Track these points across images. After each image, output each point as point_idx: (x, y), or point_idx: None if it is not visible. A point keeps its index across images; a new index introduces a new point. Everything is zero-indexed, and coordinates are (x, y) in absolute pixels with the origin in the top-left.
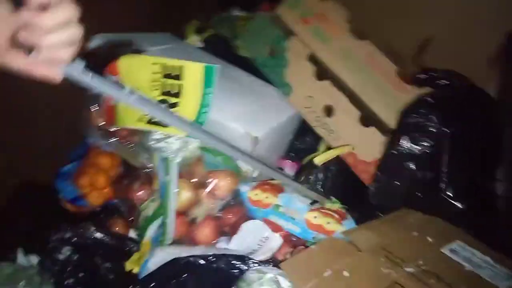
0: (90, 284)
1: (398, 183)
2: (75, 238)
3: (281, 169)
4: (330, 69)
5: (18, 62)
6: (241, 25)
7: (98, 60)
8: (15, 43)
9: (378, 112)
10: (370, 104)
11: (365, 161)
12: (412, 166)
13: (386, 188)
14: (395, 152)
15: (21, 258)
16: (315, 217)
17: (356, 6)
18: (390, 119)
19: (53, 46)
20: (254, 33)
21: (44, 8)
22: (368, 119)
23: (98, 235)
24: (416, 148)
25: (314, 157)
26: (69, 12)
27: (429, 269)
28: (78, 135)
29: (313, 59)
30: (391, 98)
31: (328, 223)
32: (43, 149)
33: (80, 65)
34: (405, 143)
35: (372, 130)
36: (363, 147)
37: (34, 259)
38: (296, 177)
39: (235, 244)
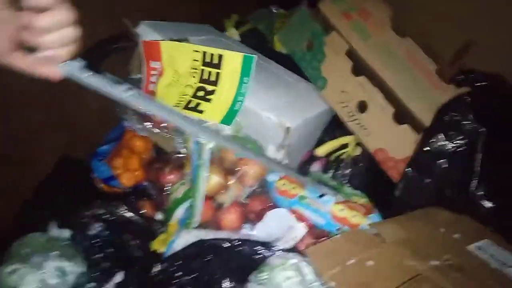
0: (117, 259)
1: (428, 180)
2: (106, 216)
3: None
4: (368, 64)
5: (20, 62)
6: (279, 21)
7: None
8: (17, 44)
9: (413, 110)
10: (406, 101)
11: (396, 158)
12: (444, 164)
13: (416, 185)
14: (428, 148)
15: (54, 230)
16: (341, 209)
17: (400, 3)
18: (425, 118)
19: (51, 46)
20: (293, 27)
21: (42, 10)
22: (403, 116)
23: (128, 214)
24: (450, 145)
25: (343, 153)
26: (65, 14)
27: (454, 263)
28: (115, 117)
29: (352, 55)
30: (428, 97)
31: (354, 216)
32: (83, 127)
33: (79, 63)
34: (439, 140)
35: (406, 127)
36: (395, 144)
37: (66, 233)
38: (324, 172)
39: (259, 231)
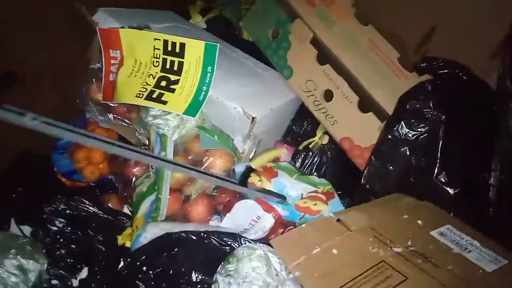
0: (81, 255)
1: (391, 168)
2: (69, 211)
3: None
4: (332, 52)
5: None
6: (245, 8)
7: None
8: None
9: (376, 98)
10: (369, 90)
11: (361, 146)
12: (407, 151)
13: (380, 173)
14: (390, 137)
15: (13, 228)
16: (305, 202)
17: None
18: (389, 105)
19: None
20: (257, 15)
21: None
22: (367, 104)
23: (92, 209)
24: (412, 133)
25: (311, 142)
26: None
27: (417, 250)
28: (76, 109)
29: (316, 43)
30: (391, 84)
31: (315, 204)
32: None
33: None
34: (401, 128)
35: (370, 115)
36: (360, 133)
37: (26, 230)
38: (292, 161)
39: (228, 223)
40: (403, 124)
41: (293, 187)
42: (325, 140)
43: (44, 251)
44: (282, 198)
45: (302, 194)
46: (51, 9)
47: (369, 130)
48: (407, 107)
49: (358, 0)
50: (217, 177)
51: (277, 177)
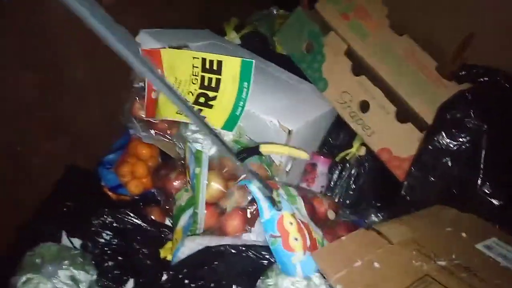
0: (127, 267)
1: (433, 179)
2: (116, 224)
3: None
4: (367, 63)
5: None
6: (279, 22)
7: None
8: None
9: (415, 108)
10: (407, 99)
11: (400, 157)
12: (448, 162)
13: (421, 184)
14: (431, 147)
15: (64, 240)
16: (291, 223)
17: (397, 1)
18: (428, 115)
19: None
20: (291, 29)
21: None
22: (405, 114)
23: (137, 221)
24: (453, 143)
25: (348, 154)
26: None
27: (462, 263)
28: (120, 126)
29: (351, 54)
30: (429, 94)
31: (296, 239)
32: (88, 136)
33: None
34: (442, 139)
35: (409, 126)
36: (399, 143)
37: (77, 242)
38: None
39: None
40: (444, 134)
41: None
42: (362, 151)
43: (93, 262)
44: (272, 201)
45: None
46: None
47: (408, 140)
48: (447, 116)
49: (393, 11)
50: (214, 134)
51: (277, 189)
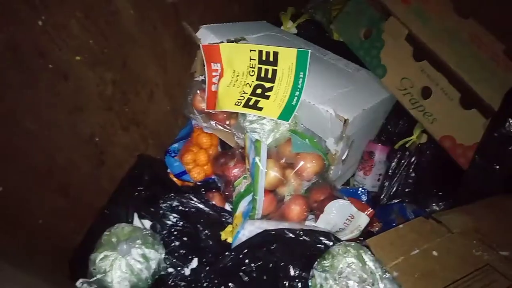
0: (192, 247)
1: (498, 167)
2: (181, 207)
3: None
4: (429, 48)
5: None
6: (336, 9)
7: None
8: None
9: (480, 93)
10: (473, 85)
11: (464, 145)
12: None
13: (485, 173)
14: (497, 134)
15: (136, 221)
16: None
17: None
18: (494, 101)
19: None
20: (349, 16)
21: None
22: (469, 100)
23: (200, 205)
24: None
25: (407, 141)
26: None
27: None
28: (184, 117)
29: (411, 40)
30: (496, 78)
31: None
32: (157, 127)
33: None
34: (509, 126)
35: (473, 112)
36: (463, 131)
37: (147, 223)
38: (388, 161)
39: (322, 223)
40: (511, 121)
41: None
42: (424, 139)
43: (161, 242)
44: None
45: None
46: (162, 28)
47: (472, 127)
48: None
49: None
50: None
51: None
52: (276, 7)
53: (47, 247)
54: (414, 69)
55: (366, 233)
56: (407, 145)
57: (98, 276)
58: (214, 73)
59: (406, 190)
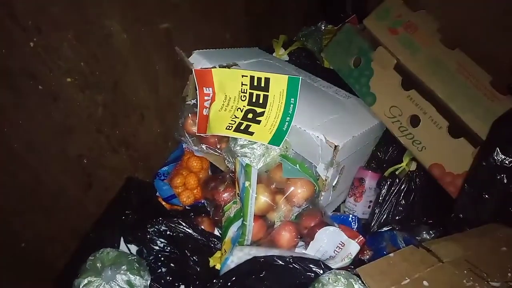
0: (179, 274)
1: (487, 196)
2: (169, 232)
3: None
4: (418, 78)
5: None
6: (327, 38)
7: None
8: None
9: (468, 122)
10: (460, 114)
11: (453, 173)
12: (504, 179)
13: (474, 202)
14: (485, 164)
15: (122, 246)
16: None
17: (448, 15)
18: (482, 130)
19: None
20: (339, 45)
21: None
22: (458, 129)
23: (188, 230)
24: (509, 160)
25: (397, 169)
26: None
27: None
28: (175, 140)
29: (400, 69)
30: (483, 108)
31: None
32: (147, 150)
33: None
34: (497, 155)
35: (462, 141)
36: (452, 159)
37: (133, 248)
38: (378, 188)
39: (313, 250)
40: (499, 150)
41: None
42: (413, 166)
43: (148, 268)
44: None
45: None
46: (154, 52)
47: (461, 156)
48: (502, 132)
49: (444, 26)
50: None
51: None
52: (268, 35)
53: (29, 271)
54: (403, 98)
55: (357, 261)
56: (397, 173)
57: None
58: (206, 97)
59: (397, 217)
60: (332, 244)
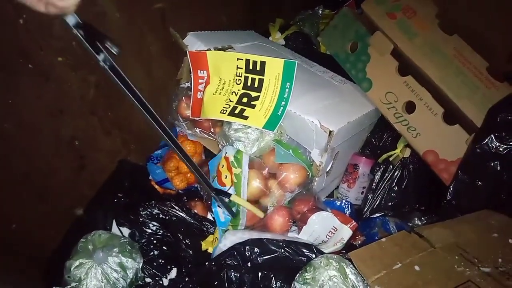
0: (171, 257)
1: (480, 183)
2: (162, 215)
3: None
4: (414, 64)
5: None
6: (324, 22)
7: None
8: None
9: (463, 109)
10: (456, 101)
11: (447, 160)
12: (498, 166)
13: (468, 189)
14: (479, 150)
15: (114, 228)
16: None
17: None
18: (477, 117)
19: None
20: (336, 30)
21: None
22: (453, 116)
23: (181, 214)
24: (503, 147)
25: (391, 155)
26: None
27: (508, 270)
28: (169, 123)
29: (397, 54)
30: (479, 95)
31: None
32: (140, 134)
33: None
34: (491, 142)
35: (457, 128)
36: (446, 146)
37: (125, 231)
38: (371, 174)
39: (305, 235)
40: (493, 138)
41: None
42: (407, 153)
43: (140, 251)
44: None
45: None
46: (148, 33)
47: (455, 143)
48: (498, 119)
49: (443, 11)
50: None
51: None
52: (265, 19)
53: (20, 253)
54: (399, 84)
55: (349, 246)
56: (390, 159)
57: (73, 284)
58: (200, 80)
59: (389, 203)
60: (324, 229)
